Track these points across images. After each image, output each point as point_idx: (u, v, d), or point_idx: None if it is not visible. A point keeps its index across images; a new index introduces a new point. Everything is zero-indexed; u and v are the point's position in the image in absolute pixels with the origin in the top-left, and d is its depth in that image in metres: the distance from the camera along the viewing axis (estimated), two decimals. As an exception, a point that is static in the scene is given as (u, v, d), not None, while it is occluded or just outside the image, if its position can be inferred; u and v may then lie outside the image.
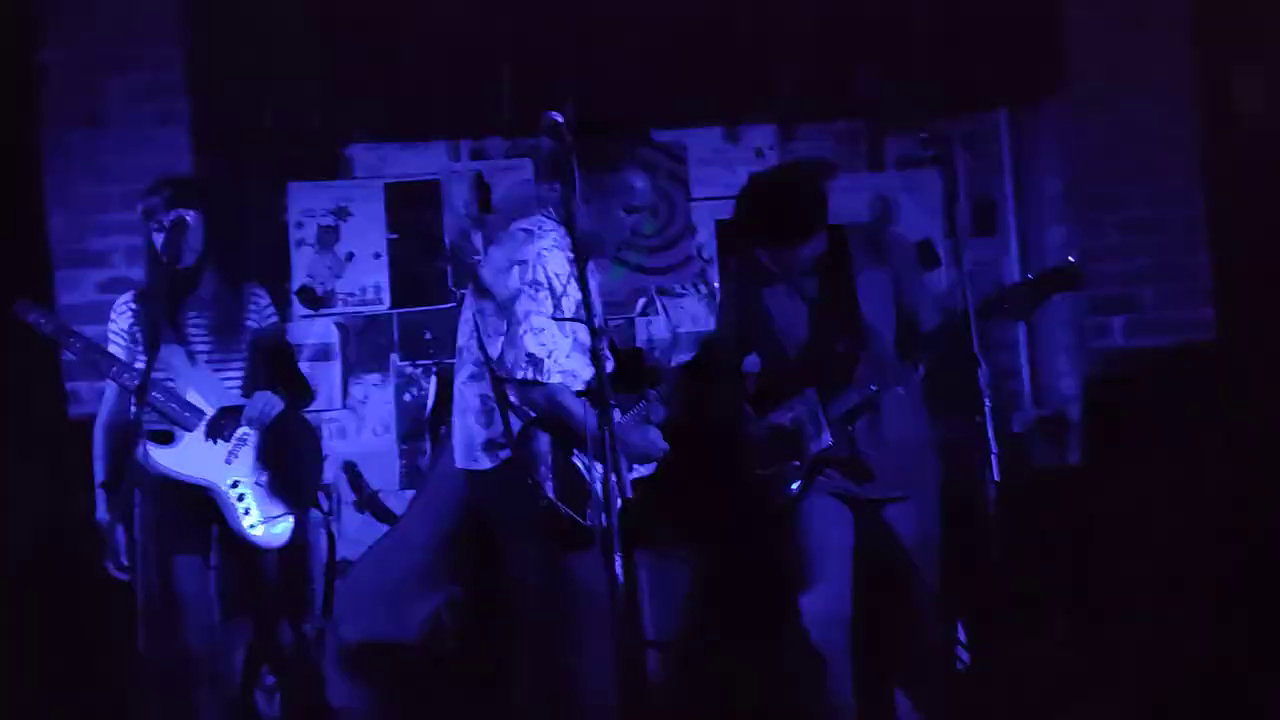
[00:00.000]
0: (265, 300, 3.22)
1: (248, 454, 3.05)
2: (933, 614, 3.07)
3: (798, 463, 3.01)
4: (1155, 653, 3.57)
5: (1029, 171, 4.35)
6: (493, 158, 4.34)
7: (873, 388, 2.93)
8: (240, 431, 3.05)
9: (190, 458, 3.02)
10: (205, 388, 3.07)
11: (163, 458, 3.00)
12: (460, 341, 2.93)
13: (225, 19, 3.90)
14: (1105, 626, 3.86)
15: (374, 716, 3.68)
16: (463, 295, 2.97)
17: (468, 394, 2.88)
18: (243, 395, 3.12)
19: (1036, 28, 4.05)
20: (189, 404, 3.04)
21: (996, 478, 2.49)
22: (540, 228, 2.85)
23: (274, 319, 3.24)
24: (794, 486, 3.03)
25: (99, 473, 3.09)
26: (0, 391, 3.93)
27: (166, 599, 2.92)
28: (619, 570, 2.31)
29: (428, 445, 4.23)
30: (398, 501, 4.19)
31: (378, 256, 4.29)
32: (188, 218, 2.92)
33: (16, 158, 3.88)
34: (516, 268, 2.75)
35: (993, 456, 2.49)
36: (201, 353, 3.09)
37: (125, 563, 2.84)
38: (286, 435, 3.11)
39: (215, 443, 3.04)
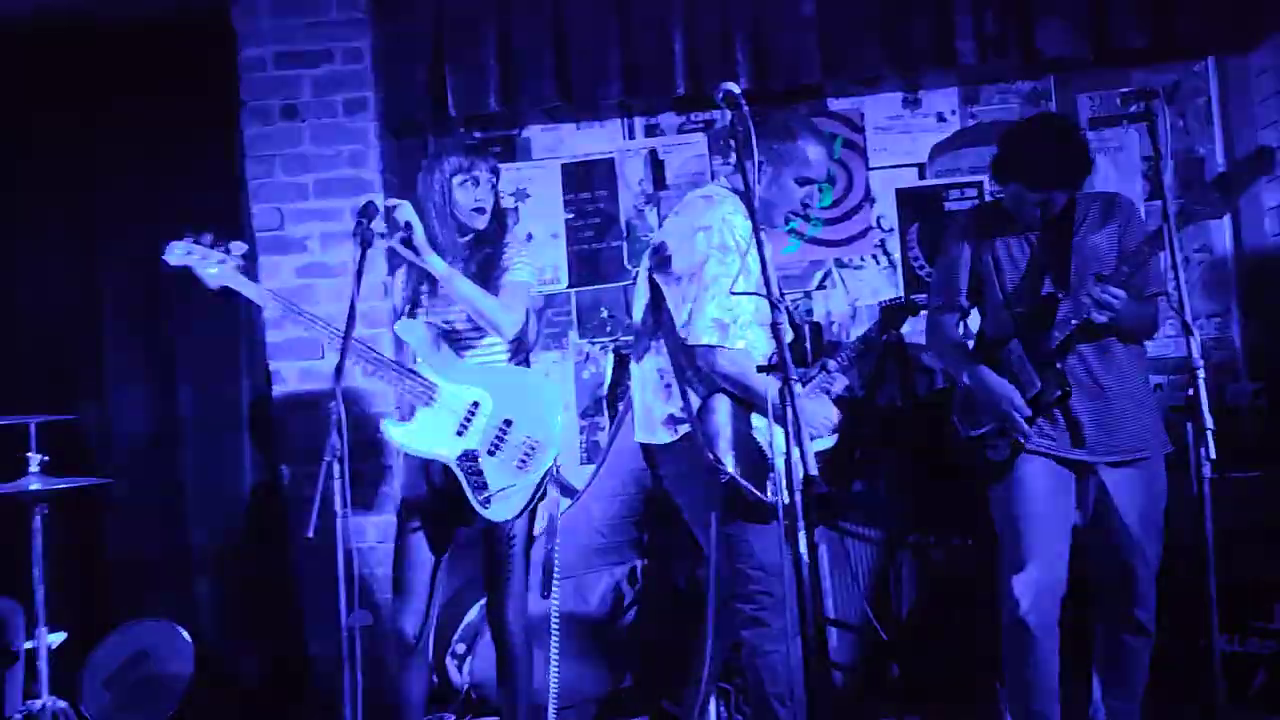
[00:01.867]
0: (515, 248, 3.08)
1: (480, 423, 2.96)
2: (1150, 592, 2.91)
3: (1012, 419, 2.92)
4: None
5: (1239, 126, 4.04)
6: (666, 134, 4.33)
7: (1074, 322, 2.83)
8: (471, 401, 2.97)
9: (422, 432, 2.95)
10: (439, 361, 3.00)
11: (396, 434, 2.97)
12: (636, 317, 2.95)
13: (406, 9, 4.03)
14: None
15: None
16: (637, 272, 2.97)
17: (646, 368, 2.89)
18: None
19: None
20: (419, 377, 2.97)
21: (1212, 455, 2.32)
22: (719, 194, 2.82)
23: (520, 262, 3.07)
24: (1002, 445, 2.93)
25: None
26: (209, 370, 4.23)
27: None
28: (802, 548, 2.27)
29: (606, 421, 4.28)
30: (578, 477, 4.26)
31: (555, 236, 4.35)
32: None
33: (222, 150, 4.14)
34: (701, 233, 2.72)
35: (1208, 433, 2.32)
36: (456, 320, 3.02)
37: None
38: (524, 401, 2.99)
39: (447, 414, 2.95)
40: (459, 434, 2.95)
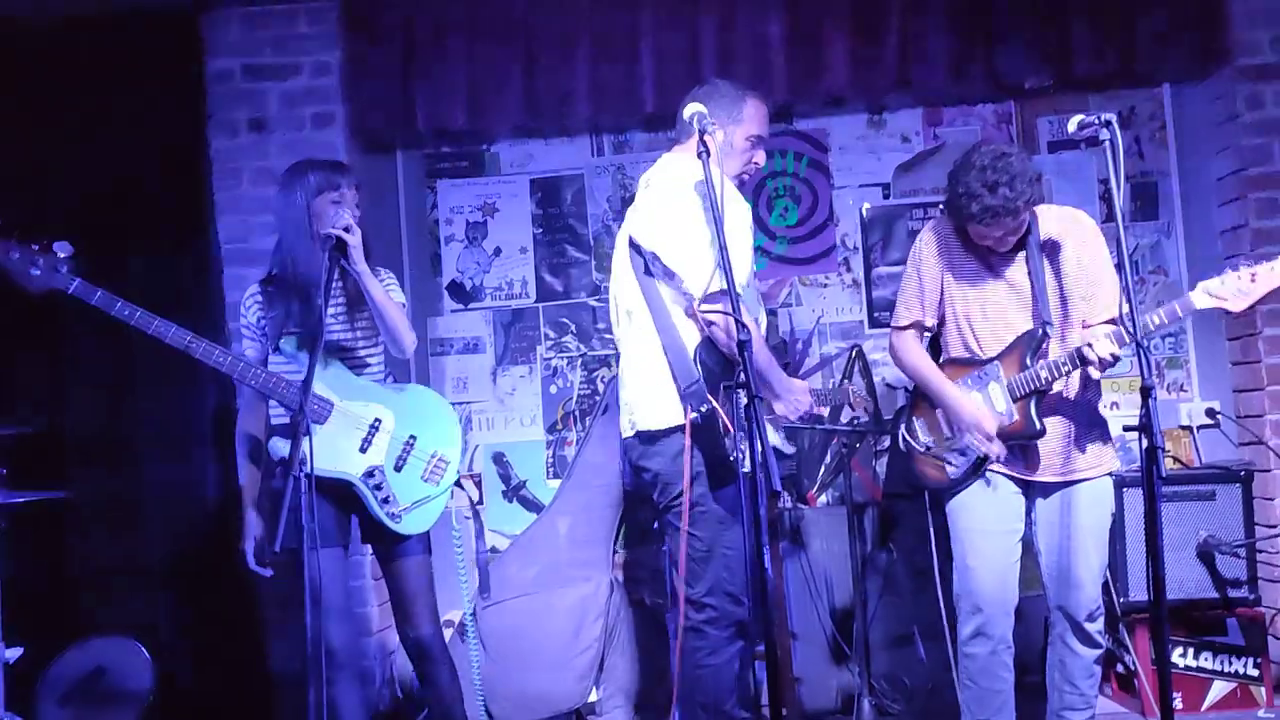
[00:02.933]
0: (384, 274, 3.03)
1: (383, 441, 2.96)
2: (1099, 605, 2.97)
3: (967, 445, 2.97)
4: None
5: (1193, 151, 4.15)
6: (634, 151, 4.37)
7: (1068, 369, 2.88)
8: (373, 419, 2.96)
9: (322, 450, 2.80)
10: (331, 378, 2.97)
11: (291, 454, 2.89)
12: (624, 305, 2.96)
13: (376, 24, 4.04)
14: None
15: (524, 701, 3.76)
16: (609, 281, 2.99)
17: (640, 352, 2.90)
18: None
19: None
20: (317, 396, 2.91)
21: (1163, 473, 2.38)
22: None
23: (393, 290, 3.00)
24: (960, 464, 2.99)
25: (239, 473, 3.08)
26: (171, 379, 4.20)
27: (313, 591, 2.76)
28: (768, 563, 2.30)
29: (573, 435, 4.30)
30: (545, 492, 4.28)
31: (523, 251, 4.38)
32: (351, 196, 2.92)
33: (187, 162, 4.12)
34: (689, 193, 2.75)
35: (1159, 452, 2.38)
36: (342, 338, 3.00)
37: (276, 549, 2.67)
38: (425, 417, 3.02)
39: (345, 431, 2.93)
40: (362, 450, 2.94)
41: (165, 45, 4.06)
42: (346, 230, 2.81)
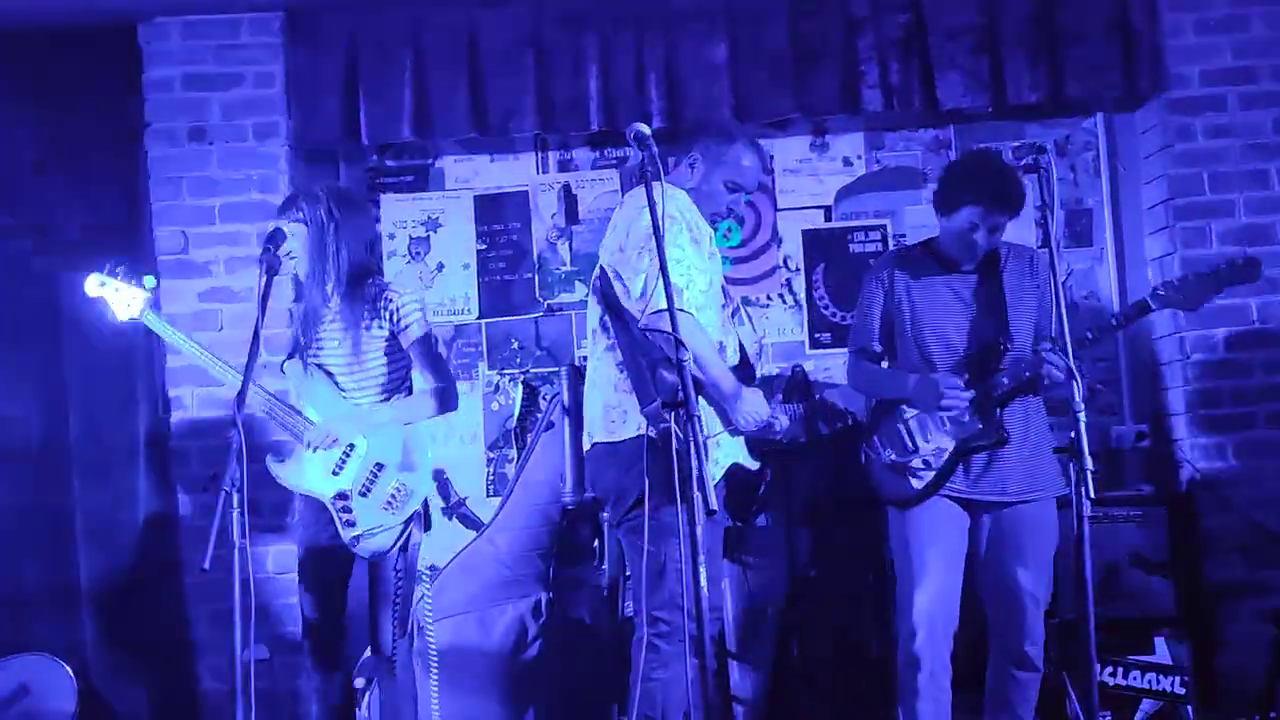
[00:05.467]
0: (396, 300, 3.06)
1: (354, 465, 3.04)
2: (1039, 627, 3.02)
3: (935, 450, 3.01)
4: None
5: (1126, 179, 4.25)
6: (580, 169, 4.38)
7: (1026, 373, 2.95)
8: (348, 444, 3.04)
9: (299, 469, 3.05)
10: (320, 400, 3.07)
11: (277, 470, 3.08)
12: (590, 323, 3.00)
13: (320, 35, 4.01)
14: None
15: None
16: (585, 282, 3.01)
17: (601, 366, 2.93)
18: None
19: (1132, 31, 3.95)
20: (299, 416, 3.06)
21: (1092, 495, 2.43)
22: (666, 187, 2.86)
23: (413, 319, 3.08)
24: (925, 476, 3.02)
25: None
26: (106, 396, 4.10)
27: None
28: (704, 584, 2.30)
29: (514, 453, 4.28)
30: (484, 509, 4.24)
31: (466, 267, 4.35)
32: (286, 230, 2.97)
33: (124, 172, 4.05)
34: (645, 209, 2.77)
35: (1088, 473, 2.43)
36: (330, 360, 3.07)
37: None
38: (397, 446, 3.08)
39: (322, 454, 3.03)
40: (334, 474, 3.04)
41: (104, 53, 4.00)
42: None
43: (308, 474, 3.04)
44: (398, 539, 3.04)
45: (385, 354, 3.08)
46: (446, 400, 3.12)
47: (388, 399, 3.11)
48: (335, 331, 3.06)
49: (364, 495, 3.02)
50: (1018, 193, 2.96)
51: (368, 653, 3.62)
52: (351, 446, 3.04)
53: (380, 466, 3.04)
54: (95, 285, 3.06)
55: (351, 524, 3.00)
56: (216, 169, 4.00)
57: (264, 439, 3.86)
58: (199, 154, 3.99)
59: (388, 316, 3.04)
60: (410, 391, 3.17)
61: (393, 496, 3.03)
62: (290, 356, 3.12)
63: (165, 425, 3.98)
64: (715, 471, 2.83)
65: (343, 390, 3.07)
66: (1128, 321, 3.03)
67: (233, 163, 4.00)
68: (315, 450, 3.00)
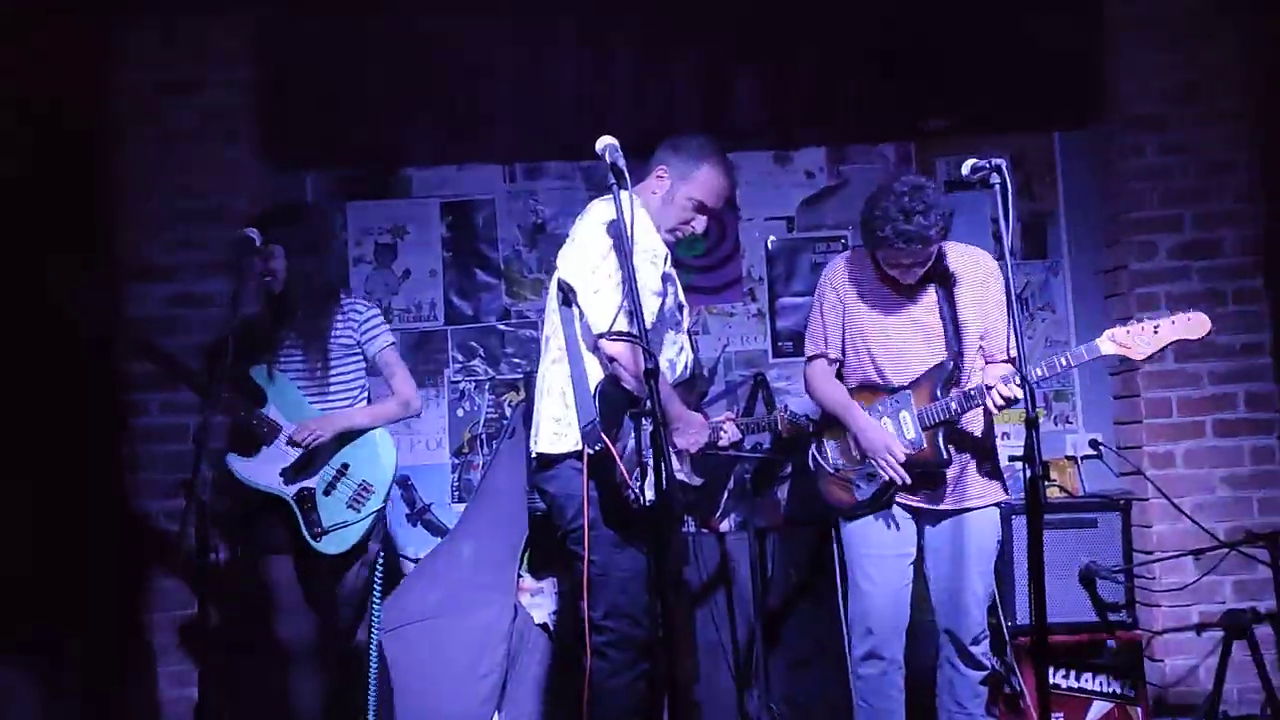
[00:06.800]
0: (364, 314, 3.34)
1: (318, 464, 3.22)
2: (985, 628, 3.10)
3: (889, 467, 3.07)
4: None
5: (1080, 194, 4.35)
6: (547, 178, 4.42)
7: (976, 401, 2.99)
8: (312, 443, 3.20)
9: (263, 468, 3.20)
10: (285, 403, 3.23)
11: (239, 467, 3.22)
12: (545, 331, 3.03)
13: (290, 43, 4.02)
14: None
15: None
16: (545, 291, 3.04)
17: (550, 376, 2.96)
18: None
19: (1086, 50, 4.06)
20: (266, 418, 3.21)
21: (1044, 502, 2.51)
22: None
23: (376, 332, 3.34)
24: (867, 488, 3.08)
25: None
26: (64, 400, 4.06)
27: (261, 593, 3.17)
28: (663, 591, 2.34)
29: (479, 459, 4.30)
30: (450, 515, 4.26)
31: (433, 274, 4.38)
32: (273, 247, 3.17)
33: (92, 175, 4.02)
34: (605, 226, 2.81)
35: (1041, 482, 2.50)
36: (293, 369, 3.26)
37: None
38: (361, 446, 3.28)
39: (288, 454, 3.20)
40: (297, 472, 3.20)
41: (75, 55, 3.97)
42: None
43: (269, 472, 3.19)
44: (363, 536, 3.22)
45: (348, 363, 3.31)
46: (410, 406, 3.38)
47: (350, 404, 3.31)
48: (302, 341, 3.25)
49: (328, 494, 3.20)
50: (925, 231, 2.92)
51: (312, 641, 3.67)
52: (316, 447, 3.21)
53: (346, 466, 3.23)
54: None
55: (315, 521, 3.16)
56: (184, 174, 3.99)
57: (219, 442, 3.87)
58: (166, 159, 3.99)
59: (353, 329, 3.30)
60: (368, 397, 3.37)
61: (357, 495, 3.21)
62: (255, 363, 3.25)
63: (126, 428, 3.96)
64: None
65: (308, 396, 3.26)
66: (1076, 363, 3.03)
67: (200, 168, 4.00)
68: (301, 446, 3.17)
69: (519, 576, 3.98)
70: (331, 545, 3.19)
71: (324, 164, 4.31)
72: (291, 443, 3.19)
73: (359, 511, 3.22)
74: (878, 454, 3.04)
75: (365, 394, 3.38)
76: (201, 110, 4.00)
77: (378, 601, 3.41)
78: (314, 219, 3.36)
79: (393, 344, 3.39)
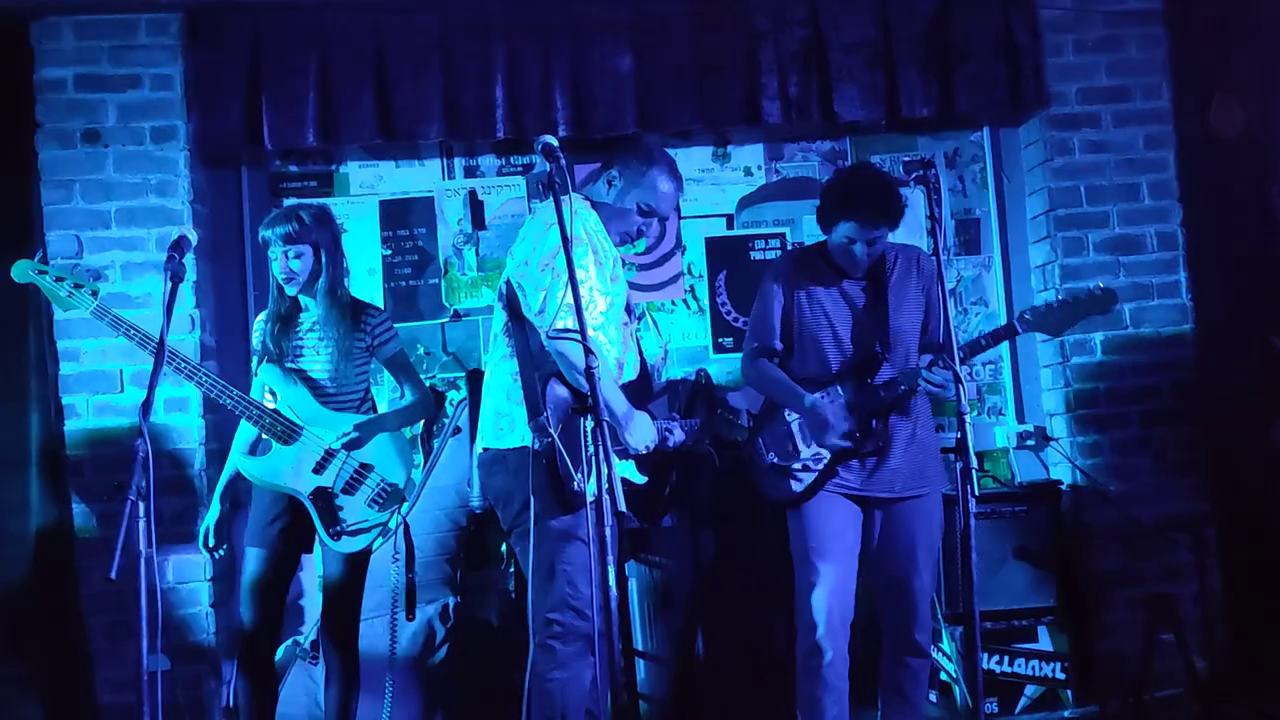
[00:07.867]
0: (377, 318, 3.35)
1: (337, 464, 3.20)
2: (928, 616, 3.16)
3: (814, 456, 3.11)
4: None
5: (1011, 191, 4.45)
6: (485, 175, 4.41)
7: (902, 387, 3.07)
8: (331, 444, 3.20)
9: (277, 467, 3.18)
10: (300, 405, 3.21)
11: (251, 466, 3.21)
12: (492, 329, 3.03)
13: (222, 38, 3.96)
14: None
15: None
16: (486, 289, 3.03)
17: (496, 373, 2.96)
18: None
19: (1017, 50, 4.15)
20: (283, 418, 3.18)
21: (977, 493, 2.57)
22: (575, 200, 2.89)
23: (388, 336, 3.36)
24: (805, 479, 3.14)
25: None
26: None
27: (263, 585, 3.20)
28: (613, 582, 2.37)
29: (420, 459, 4.28)
30: (391, 514, 4.23)
31: (372, 272, 4.34)
32: (301, 247, 3.19)
33: (15, 174, 3.93)
34: (554, 226, 2.80)
35: (973, 473, 2.56)
36: (305, 369, 3.25)
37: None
38: (384, 448, 3.28)
39: (306, 453, 3.17)
40: (315, 471, 3.19)
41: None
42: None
43: (287, 470, 3.17)
44: (381, 534, 3.24)
45: (361, 365, 3.33)
46: (429, 407, 3.49)
47: (355, 406, 3.31)
48: (317, 342, 3.25)
49: (349, 493, 3.20)
50: (893, 205, 3.08)
51: (290, 644, 3.69)
52: (334, 446, 3.20)
53: (366, 467, 3.22)
54: (29, 272, 3.13)
55: (335, 520, 3.16)
56: (112, 172, 3.92)
57: (164, 447, 3.82)
58: (93, 157, 3.91)
59: (367, 332, 3.30)
60: (373, 400, 3.41)
61: (382, 496, 3.22)
62: (262, 361, 3.26)
63: (59, 433, 3.88)
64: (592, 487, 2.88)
65: (322, 396, 3.25)
66: (995, 342, 3.20)
67: (129, 166, 3.93)
68: (350, 451, 3.19)
69: (460, 574, 3.97)
70: (349, 544, 3.20)
71: (258, 162, 4.26)
72: (330, 451, 3.18)
73: (380, 511, 3.22)
74: (822, 434, 3.09)
75: (370, 397, 3.40)
76: (129, 107, 3.93)
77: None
78: (334, 222, 3.34)
79: (401, 349, 3.41)
